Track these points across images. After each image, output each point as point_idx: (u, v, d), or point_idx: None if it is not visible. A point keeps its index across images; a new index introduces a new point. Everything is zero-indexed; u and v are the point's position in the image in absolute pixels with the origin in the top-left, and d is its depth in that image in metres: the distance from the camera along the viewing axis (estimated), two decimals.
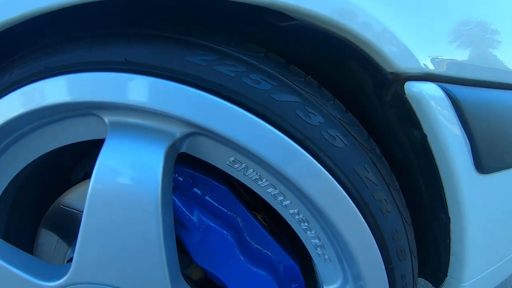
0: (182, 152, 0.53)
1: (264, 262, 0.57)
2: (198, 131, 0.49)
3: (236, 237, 0.55)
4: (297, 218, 0.54)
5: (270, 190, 0.53)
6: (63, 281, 0.52)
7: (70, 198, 0.62)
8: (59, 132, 0.54)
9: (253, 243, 0.57)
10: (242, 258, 0.55)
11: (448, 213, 0.63)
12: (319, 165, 0.47)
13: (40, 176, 0.65)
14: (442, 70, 0.54)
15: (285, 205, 0.54)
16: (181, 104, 0.45)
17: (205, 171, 0.57)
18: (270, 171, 0.51)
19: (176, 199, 0.54)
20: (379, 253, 0.52)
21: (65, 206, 0.62)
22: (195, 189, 0.56)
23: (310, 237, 0.55)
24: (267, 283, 0.57)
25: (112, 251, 0.51)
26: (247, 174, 0.52)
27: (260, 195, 0.53)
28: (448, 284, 0.74)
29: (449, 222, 0.64)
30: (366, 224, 0.50)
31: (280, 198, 0.53)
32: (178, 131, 0.49)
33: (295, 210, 0.54)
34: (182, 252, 0.58)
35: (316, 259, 0.57)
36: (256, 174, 0.52)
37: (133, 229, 0.50)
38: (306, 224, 0.55)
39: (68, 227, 0.64)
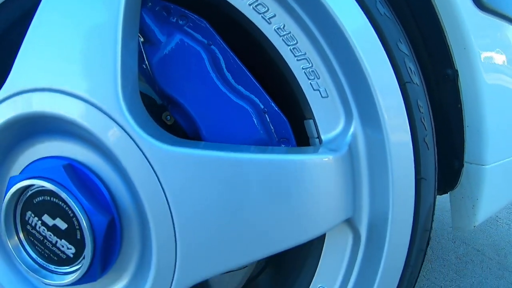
0: None
1: (246, 101, 0.41)
2: None
3: (211, 61, 0.40)
4: (281, 36, 0.40)
5: None
6: None
7: None
8: None
9: (233, 79, 0.42)
10: (217, 82, 0.39)
11: (454, 65, 0.50)
12: None
13: None
14: None
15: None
16: None
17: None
18: None
19: (143, 14, 0.40)
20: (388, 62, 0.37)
21: None
22: (170, 18, 0.42)
23: (299, 60, 0.41)
24: (248, 124, 0.40)
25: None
26: None
27: None
28: (466, 177, 0.57)
29: (457, 77, 0.51)
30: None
31: None
32: None
33: (280, 24, 0.40)
34: None
35: (310, 97, 0.42)
36: None
37: None
38: (289, 37, 0.40)
39: None
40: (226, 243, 0.34)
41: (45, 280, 0.36)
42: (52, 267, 0.37)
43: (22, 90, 0.34)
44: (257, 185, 0.33)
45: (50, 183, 0.32)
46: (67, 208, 0.34)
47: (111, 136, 0.32)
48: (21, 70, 0.34)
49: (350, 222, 0.43)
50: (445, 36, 0.49)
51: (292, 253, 0.51)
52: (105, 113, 0.32)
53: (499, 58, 0.50)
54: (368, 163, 0.41)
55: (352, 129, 0.41)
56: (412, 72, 0.40)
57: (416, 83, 0.41)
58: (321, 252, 0.46)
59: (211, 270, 0.35)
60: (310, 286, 0.46)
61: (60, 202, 0.34)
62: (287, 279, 0.50)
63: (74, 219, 0.34)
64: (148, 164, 0.31)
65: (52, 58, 0.33)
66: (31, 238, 0.37)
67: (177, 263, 0.34)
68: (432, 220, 0.43)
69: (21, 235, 0.37)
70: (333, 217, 0.38)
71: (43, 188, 0.34)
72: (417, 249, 0.44)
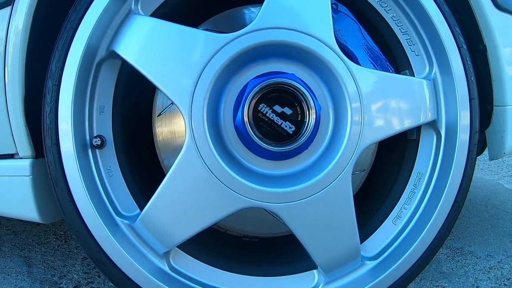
0: None
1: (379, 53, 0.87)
2: None
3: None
4: (394, 20, 0.87)
5: None
6: None
7: None
8: None
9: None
10: (367, 38, 0.84)
11: (484, 42, 0.98)
12: None
13: None
14: None
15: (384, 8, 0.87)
16: None
17: None
18: None
19: None
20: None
21: None
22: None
23: (404, 34, 0.87)
24: (382, 66, 0.85)
25: None
26: None
27: None
28: (495, 116, 1.03)
29: (486, 50, 0.98)
30: None
31: None
32: None
33: (394, 14, 0.87)
34: None
35: (410, 55, 0.88)
36: None
37: None
38: (398, 21, 0.87)
39: None
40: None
41: (269, 147, 0.74)
42: (273, 142, 0.73)
43: (277, 26, 0.73)
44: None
45: (291, 81, 0.72)
46: (293, 99, 0.73)
47: (328, 57, 0.74)
48: (271, 14, 0.73)
49: (435, 126, 0.87)
50: (478, 24, 0.97)
51: (397, 151, 0.94)
52: (324, 43, 0.74)
53: (511, 39, 0.99)
54: (443, 90, 0.86)
55: (434, 70, 0.86)
56: (463, 42, 0.87)
57: (465, 48, 0.87)
58: (417, 149, 0.89)
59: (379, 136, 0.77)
60: (412, 172, 0.89)
61: (289, 96, 0.71)
62: (392, 171, 0.92)
63: (298, 106, 0.74)
64: (350, 74, 0.75)
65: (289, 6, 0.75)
66: (259, 123, 0.71)
67: (362, 130, 0.76)
68: (480, 124, 0.88)
69: (251, 121, 0.71)
70: (431, 113, 0.83)
71: (280, 85, 0.70)
72: (472, 144, 0.87)
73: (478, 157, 2.78)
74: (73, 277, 1.09)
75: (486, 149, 1.28)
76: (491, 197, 1.72)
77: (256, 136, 0.72)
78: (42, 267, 1.14)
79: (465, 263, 1.16)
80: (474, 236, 1.34)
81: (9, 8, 0.85)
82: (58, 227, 1.45)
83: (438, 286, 1.03)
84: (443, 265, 1.15)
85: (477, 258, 1.19)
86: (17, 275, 1.10)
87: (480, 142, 1.25)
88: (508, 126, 1.04)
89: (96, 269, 1.13)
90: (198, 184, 0.74)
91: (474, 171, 2.08)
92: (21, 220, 1.52)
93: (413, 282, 1.06)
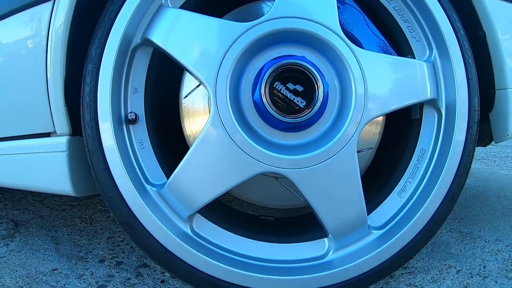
0: None
1: (381, 39, 1.03)
2: None
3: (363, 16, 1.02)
4: (396, 10, 1.03)
5: None
6: None
7: None
8: None
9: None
10: (369, 25, 1.01)
11: (483, 28, 1.13)
12: None
13: None
14: None
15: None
16: None
17: None
18: None
19: None
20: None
21: None
22: None
23: (405, 22, 1.03)
24: (385, 50, 1.01)
25: None
26: None
27: None
28: (498, 100, 1.17)
29: (486, 36, 1.14)
30: None
31: None
32: None
33: (396, 4, 1.03)
34: None
35: (411, 41, 1.04)
36: None
37: None
38: (399, 10, 1.03)
39: None
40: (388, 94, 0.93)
41: (284, 119, 0.90)
42: (287, 115, 0.91)
43: (289, 16, 0.92)
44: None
45: (302, 62, 0.89)
46: (304, 78, 0.88)
47: (333, 41, 0.90)
48: (284, 5, 0.91)
49: (436, 105, 1.01)
50: (477, 13, 1.12)
51: (402, 130, 1.09)
52: (330, 29, 0.91)
53: (508, 25, 1.14)
54: (442, 72, 1.01)
55: (433, 54, 1.02)
56: (459, 28, 1.02)
57: (462, 33, 1.02)
58: (420, 127, 1.04)
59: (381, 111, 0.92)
60: (416, 148, 1.04)
61: (300, 75, 0.88)
62: (398, 148, 1.07)
63: (308, 84, 0.89)
64: (353, 55, 0.91)
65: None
66: (275, 98, 0.88)
67: (365, 105, 0.92)
68: (479, 104, 1.02)
69: (268, 97, 0.87)
70: (431, 92, 0.98)
71: (292, 66, 0.87)
72: (472, 122, 1.02)
73: (495, 153, 2.88)
74: (98, 253, 1.25)
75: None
76: (504, 189, 1.84)
77: (272, 110, 0.88)
78: (69, 245, 1.31)
79: (473, 245, 1.29)
80: (485, 223, 1.47)
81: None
82: (84, 212, 1.62)
83: (445, 265, 1.16)
84: (452, 247, 1.28)
85: (486, 242, 1.31)
86: (45, 251, 1.26)
87: (487, 132, 1.39)
88: (510, 109, 1.18)
89: (120, 246, 1.29)
90: (221, 152, 0.90)
91: (490, 166, 2.20)
92: (47, 206, 1.70)
93: (421, 261, 1.19)
